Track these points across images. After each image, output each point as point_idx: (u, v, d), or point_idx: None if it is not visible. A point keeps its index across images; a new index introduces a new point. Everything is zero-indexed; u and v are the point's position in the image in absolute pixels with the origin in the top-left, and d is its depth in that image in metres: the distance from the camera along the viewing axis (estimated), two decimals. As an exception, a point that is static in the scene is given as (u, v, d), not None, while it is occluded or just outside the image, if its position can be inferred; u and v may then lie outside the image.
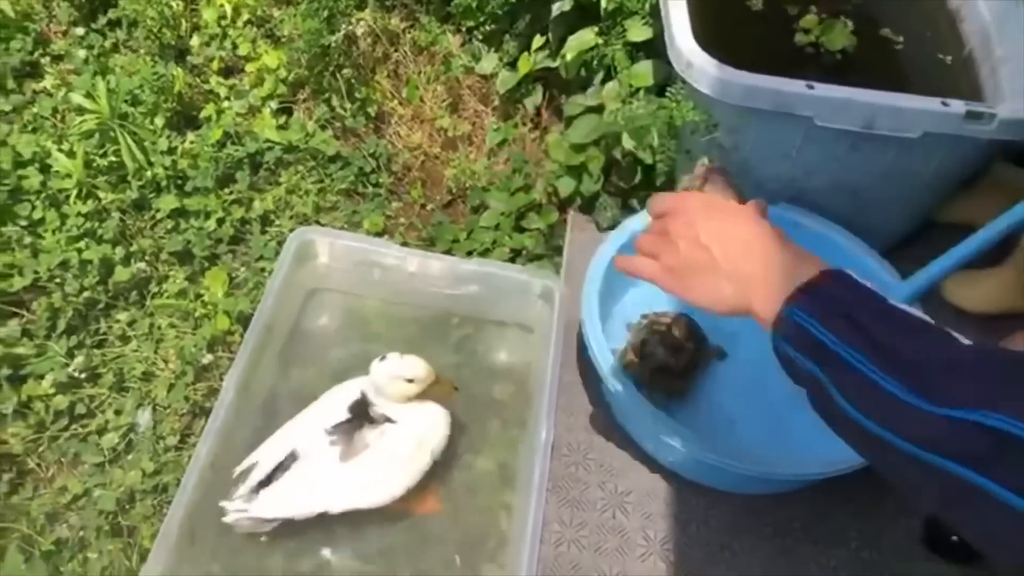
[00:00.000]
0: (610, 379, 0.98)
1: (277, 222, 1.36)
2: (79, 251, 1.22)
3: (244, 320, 1.20)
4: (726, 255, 0.60)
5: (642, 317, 1.15)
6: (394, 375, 0.98)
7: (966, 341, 0.49)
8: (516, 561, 0.95)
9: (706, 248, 0.61)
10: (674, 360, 1.06)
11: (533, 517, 0.97)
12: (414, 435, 1.01)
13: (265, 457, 0.98)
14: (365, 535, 1.01)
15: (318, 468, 0.97)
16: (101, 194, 1.29)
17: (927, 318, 0.51)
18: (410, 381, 0.99)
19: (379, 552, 1.01)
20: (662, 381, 1.05)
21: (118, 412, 1.13)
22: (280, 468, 0.97)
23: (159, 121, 1.39)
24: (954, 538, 0.97)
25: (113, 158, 1.33)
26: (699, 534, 1.00)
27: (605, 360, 0.99)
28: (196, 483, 0.97)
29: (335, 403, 1.02)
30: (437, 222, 1.37)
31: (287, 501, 0.96)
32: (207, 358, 1.19)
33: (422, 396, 1.01)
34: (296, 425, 1.01)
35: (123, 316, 1.22)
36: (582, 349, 1.06)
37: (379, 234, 1.35)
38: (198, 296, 1.25)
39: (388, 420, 1.01)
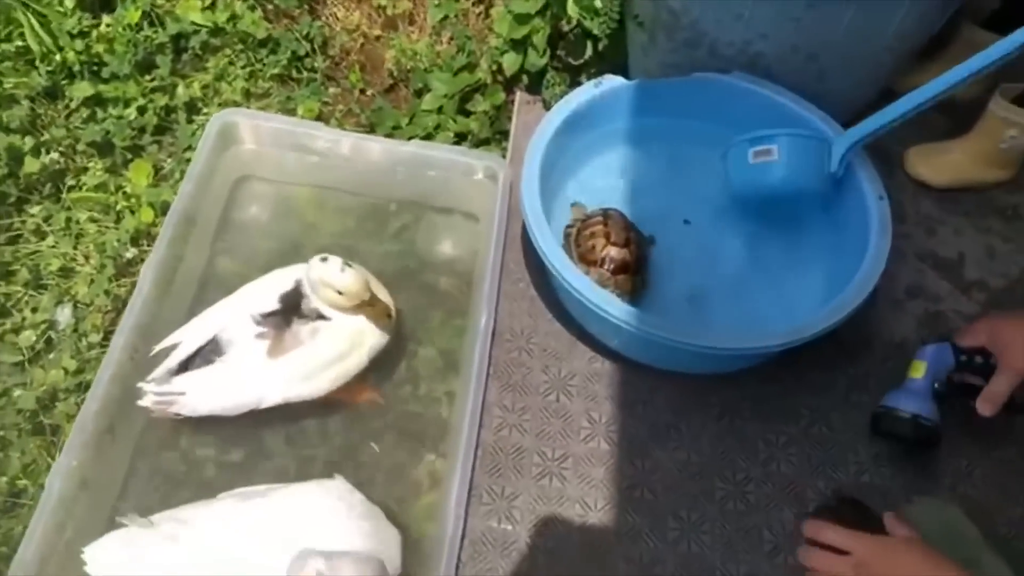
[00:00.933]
0: (553, 259, 0.92)
1: (205, 110, 1.27)
2: (-18, 141, 1.13)
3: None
4: None
5: (572, 206, 1.09)
6: (326, 282, 0.90)
7: None
8: (455, 447, 0.92)
9: None
10: (628, 254, 1.00)
11: (472, 402, 0.94)
12: (349, 334, 0.95)
13: (188, 338, 0.92)
14: (301, 425, 0.97)
15: (245, 364, 0.91)
16: (5, 80, 1.19)
17: None
18: (340, 294, 0.91)
19: (316, 441, 0.97)
20: (625, 284, 1.00)
21: (35, 310, 1.07)
22: (202, 354, 0.91)
23: (68, 2, 1.28)
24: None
25: (19, 42, 1.22)
26: (644, 415, 0.97)
27: (546, 240, 0.93)
28: (113, 375, 0.92)
29: (266, 290, 0.95)
30: (377, 107, 1.28)
31: (214, 397, 0.91)
32: (131, 252, 1.12)
33: (354, 311, 0.94)
34: (223, 308, 0.94)
35: (37, 210, 1.14)
36: (526, 234, 1.01)
37: (315, 120, 1.26)
38: (119, 188, 1.17)
39: (321, 317, 0.94)
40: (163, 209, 1.14)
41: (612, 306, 0.89)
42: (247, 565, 0.78)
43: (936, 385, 0.89)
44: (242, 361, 0.90)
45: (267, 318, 0.92)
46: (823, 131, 1.02)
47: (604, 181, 1.13)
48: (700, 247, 1.08)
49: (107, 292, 1.08)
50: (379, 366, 1.00)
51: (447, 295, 1.09)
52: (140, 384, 0.90)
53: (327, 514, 0.81)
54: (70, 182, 1.17)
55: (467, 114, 1.26)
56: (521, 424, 0.96)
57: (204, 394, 0.90)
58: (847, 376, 1.00)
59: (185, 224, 1.06)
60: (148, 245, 1.14)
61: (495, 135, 1.25)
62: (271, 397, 0.91)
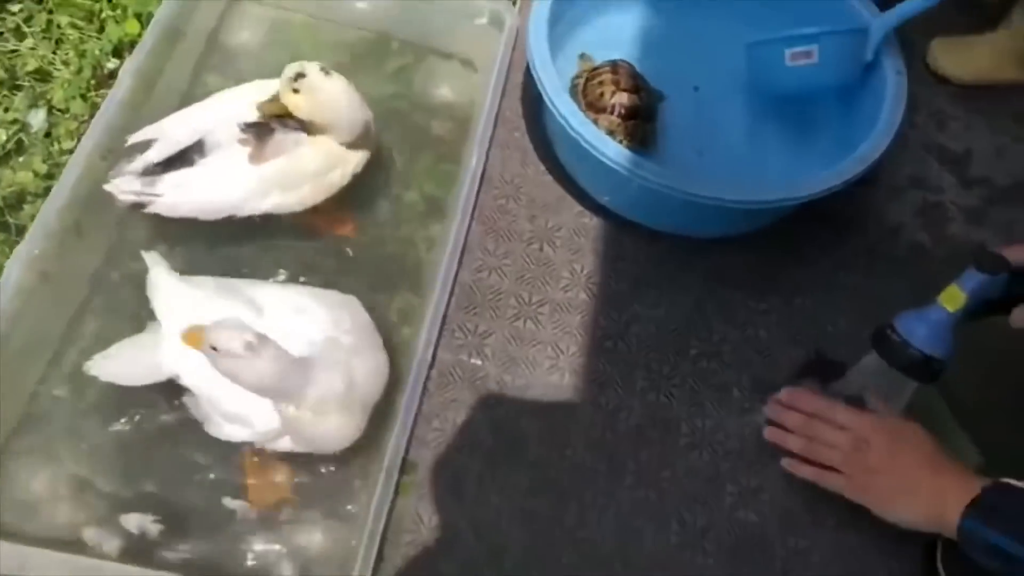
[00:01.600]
0: (556, 99, 0.88)
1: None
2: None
3: (157, 27, 1.07)
4: (915, 483, 0.74)
5: (579, 58, 1.05)
6: (286, 79, 0.84)
7: None
8: (431, 284, 0.90)
9: (899, 474, 0.75)
10: (638, 100, 0.96)
11: (453, 240, 0.91)
12: (331, 149, 0.92)
13: (167, 135, 0.87)
14: (277, 249, 0.94)
15: (227, 167, 0.87)
16: None
17: None
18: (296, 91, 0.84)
19: (290, 264, 0.94)
20: (636, 132, 0.96)
21: (7, 109, 1.02)
22: (183, 155, 0.87)
23: None
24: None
25: None
26: (628, 271, 0.95)
27: (550, 81, 0.89)
28: (82, 174, 0.88)
29: (250, 99, 0.91)
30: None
31: (194, 198, 0.87)
32: (112, 63, 1.07)
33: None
34: (204, 111, 0.90)
35: (17, 8, 1.08)
36: (527, 84, 0.97)
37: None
38: (105, -5, 1.11)
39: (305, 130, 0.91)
40: (151, 22, 1.09)
41: (609, 147, 0.85)
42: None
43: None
44: (224, 165, 0.86)
45: (251, 126, 0.88)
46: (861, 17, 0.97)
47: (615, 36, 1.08)
48: (708, 114, 1.05)
49: (84, 98, 1.03)
50: (361, 204, 0.97)
51: (439, 140, 1.05)
52: (115, 177, 0.85)
53: (344, 317, 0.80)
54: (53, -16, 1.11)
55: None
56: (501, 267, 0.94)
57: (183, 194, 0.86)
58: (837, 255, 0.98)
59: (170, 36, 1.00)
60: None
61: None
62: (251, 203, 0.88)
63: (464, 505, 0.80)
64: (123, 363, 0.80)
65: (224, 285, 0.83)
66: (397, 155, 1.02)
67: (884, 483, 0.76)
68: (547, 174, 1.01)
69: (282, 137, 0.89)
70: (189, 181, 0.87)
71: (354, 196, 0.96)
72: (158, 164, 0.86)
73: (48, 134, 1.03)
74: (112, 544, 0.76)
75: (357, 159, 0.93)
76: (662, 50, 1.08)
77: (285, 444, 0.78)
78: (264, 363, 0.70)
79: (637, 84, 0.96)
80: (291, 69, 0.85)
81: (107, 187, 0.84)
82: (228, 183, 0.88)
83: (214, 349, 0.69)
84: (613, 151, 0.85)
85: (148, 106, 0.97)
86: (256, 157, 0.88)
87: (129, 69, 0.95)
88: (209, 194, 0.88)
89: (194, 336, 0.72)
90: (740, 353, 0.91)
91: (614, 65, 0.98)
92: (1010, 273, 0.73)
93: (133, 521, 0.76)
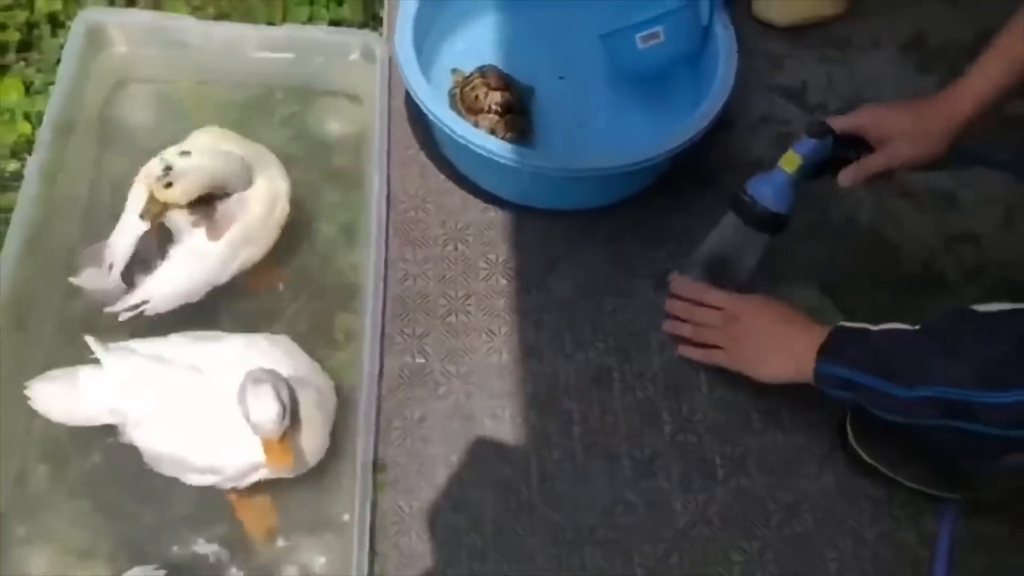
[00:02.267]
0: (432, 106, 0.98)
1: (69, 23, 1.24)
2: None
3: (48, 123, 1.11)
4: (777, 341, 0.86)
5: (452, 72, 1.14)
6: (156, 181, 0.88)
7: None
8: (365, 302, 0.98)
9: (763, 336, 0.88)
10: (510, 95, 1.07)
11: (375, 259, 0.99)
12: (268, 189, 0.97)
13: (118, 244, 0.93)
14: (216, 304, 1.00)
15: (193, 251, 0.93)
16: None
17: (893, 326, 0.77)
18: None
19: (233, 316, 1.00)
20: (514, 125, 1.06)
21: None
22: (140, 259, 0.92)
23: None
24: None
25: None
26: (537, 250, 1.05)
27: (424, 93, 0.99)
28: (15, 270, 0.93)
29: None
30: (247, 4, 1.28)
31: (178, 291, 0.93)
32: (13, 165, 1.11)
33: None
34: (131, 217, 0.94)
35: (-94, 131, 1.11)
36: (411, 103, 1.05)
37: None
38: (-10, 105, 1.15)
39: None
40: (40, 120, 1.12)
41: (491, 143, 0.95)
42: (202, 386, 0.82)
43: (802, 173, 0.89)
44: (191, 249, 0.92)
45: (194, 207, 0.93)
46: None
47: (478, 46, 1.18)
48: (577, 98, 1.16)
49: (-6, 204, 1.07)
50: (284, 247, 1.04)
51: (342, 171, 1.13)
52: (107, 309, 0.91)
53: (279, 356, 0.85)
54: (-64, 104, 1.14)
55: (340, 2, 1.28)
56: (424, 272, 1.03)
57: (169, 290, 0.92)
58: (714, 194, 1.09)
59: (64, 129, 1.05)
60: (30, 156, 1.12)
61: (370, 20, 1.28)
62: (228, 268, 0.94)
63: (439, 487, 0.89)
64: (60, 398, 0.85)
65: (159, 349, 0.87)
66: (306, 195, 1.09)
67: (752, 347, 0.88)
68: (447, 181, 1.10)
69: (226, 204, 0.95)
70: (168, 277, 0.92)
71: (277, 244, 1.01)
72: (126, 273, 0.92)
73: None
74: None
75: (283, 187, 1.00)
76: (525, 48, 1.19)
77: (261, 473, 0.84)
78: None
79: (506, 82, 1.07)
80: (155, 167, 0.89)
81: (109, 310, 0.91)
82: (203, 263, 0.93)
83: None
84: (496, 146, 0.95)
85: (60, 197, 1.02)
86: (214, 233, 0.93)
87: (33, 166, 1.00)
88: (191, 280, 0.93)
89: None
90: (650, 299, 1.02)
91: (482, 71, 1.08)
92: (834, 137, 0.87)
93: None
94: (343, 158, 1.14)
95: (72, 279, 0.93)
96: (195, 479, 0.85)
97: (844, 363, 0.78)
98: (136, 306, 0.92)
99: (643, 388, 0.96)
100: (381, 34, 1.22)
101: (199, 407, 0.82)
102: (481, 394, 0.95)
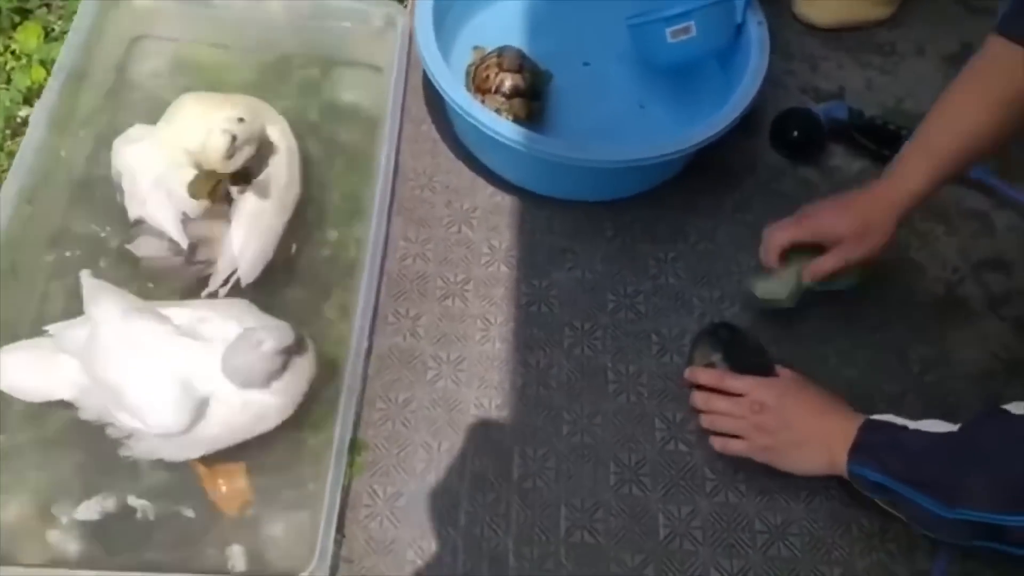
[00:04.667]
0: (444, 84, 0.95)
1: (95, -28, 1.23)
2: None
3: (64, 71, 1.10)
4: (809, 433, 0.82)
5: (473, 49, 1.11)
6: (226, 144, 0.85)
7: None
8: (360, 277, 0.95)
9: (793, 429, 0.83)
10: (521, 80, 1.03)
11: (375, 234, 0.96)
12: (283, 142, 0.97)
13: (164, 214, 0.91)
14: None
15: (253, 213, 0.92)
16: None
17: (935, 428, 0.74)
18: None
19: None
20: (521, 109, 1.03)
21: (-73, 168, 1.05)
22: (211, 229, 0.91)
23: None
24: (794, 133, 1.08)
25: None
26: (542, 240, 1.02)
27: (439, 69, 0.96)
28: (12, 214, 0.92)
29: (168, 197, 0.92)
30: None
31: (258, 253, 0.92)
32: (24, 111, 1.10)
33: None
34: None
35: (-78, 71, 1.10)
36: (428, 79, 1.03)
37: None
38: (7, 48, 1.14)
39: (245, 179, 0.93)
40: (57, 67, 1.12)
41: (501, 126, 0.92)
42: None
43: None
44: (251, 214, 0.92)
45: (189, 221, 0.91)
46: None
47: (503, 25, 1.15)
48: (598, 87, 1.12)
49: (1, 148, 1.06)
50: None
51: (352, 144, 1.10)
52: (204, 292, 0.92)
53: (241, 314, 0.84)
54: (-45, 44, 1.14)
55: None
56: (424, 253, 1.00)
57: (250, 258, 0.92)
58: (732, 198, 1.06)
59: (75, 77, 1.04)
60: (41, 103, 1.12)
61: (395, -8, 1.25)
62: (282, 222, 0.95)
63: (415, 475, 0.86)
64: (21, 372, 0.83)
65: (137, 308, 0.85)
66: (315, 164, 1.07)
67: (783, 439, 0.83)
68: (457, 160, 1.07)
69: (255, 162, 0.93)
70: (246, 243, 0.92)
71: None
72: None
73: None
74: (73, 547, 0.80)
75: (291, 143, 0.99)
76: (551, 31, 1.15)
77: (217, 441, 0.81)
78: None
79: (521, 65, 1.03)
80: (216, 143, 0.84)
81: (206, 292, 0.91)
82: (265, 221, 0.93)
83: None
84: (506, 128, 0.92)
85: (65, 148, 1.01)
86: (263, 191, 0.93)
87: (40, 113, 0.99)
88: (263, 240, 0.93)
89: None
90: (653, 302, 0.98)
91: (500, 51, 1.05)
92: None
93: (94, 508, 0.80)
94: (356, 129, 1.12)
95: (128, 246, 0.92)
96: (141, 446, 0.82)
97: (876, 466, 0.75)
98: (227, 279, 0.91)
99: (637, 392, 0.92)
100: (405, 5, 1.19)
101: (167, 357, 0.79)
102: (470, 382, 0.92)
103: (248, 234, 0.92)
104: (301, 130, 1.07)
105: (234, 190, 0.92)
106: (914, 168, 0.82)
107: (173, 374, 0.77)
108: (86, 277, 0.85)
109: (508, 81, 1.00)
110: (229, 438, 0.81)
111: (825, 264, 0.87)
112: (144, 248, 0.92)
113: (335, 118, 1.12)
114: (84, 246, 0.95)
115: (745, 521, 0.85)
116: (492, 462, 0.87)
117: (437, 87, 0.95)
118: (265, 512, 0.85)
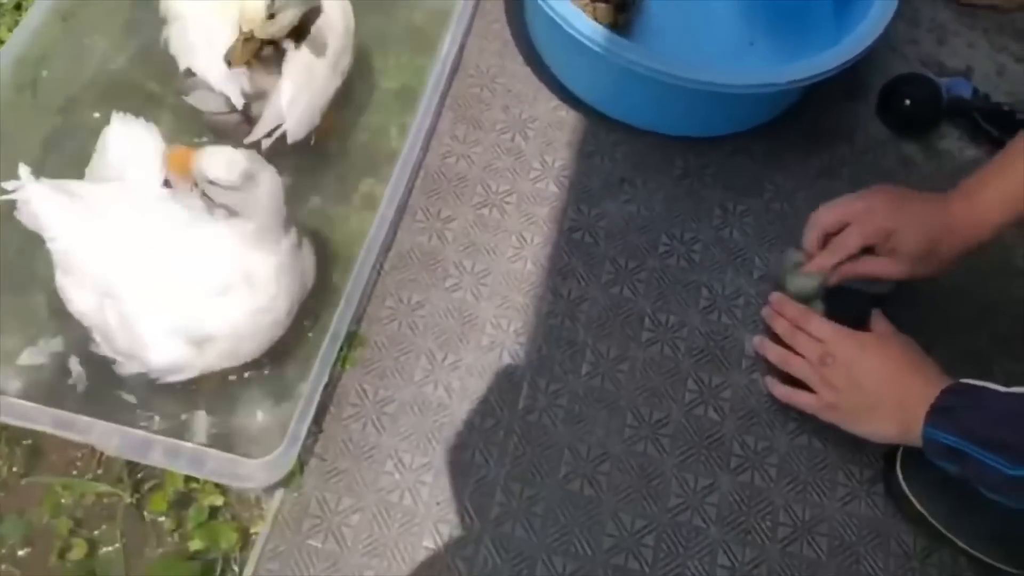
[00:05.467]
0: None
1: None
2: None
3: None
4: (884, 394, 0.71)
5: None
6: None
7: None
8: (394, 165, 0.87)
9: (864, 390, 0.72)
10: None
11: (418, 124, 0.87)
12: (339, 6, 0.86)
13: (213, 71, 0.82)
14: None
15: (304, 68, 0.82)
16: None
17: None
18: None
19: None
20: (607, 15, 0.92)
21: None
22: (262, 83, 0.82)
23: None
24: (907, 102, 0.96)
25: None
26: (601, 166, 0.91)
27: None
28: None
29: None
30: None
31: (305, 110, 0.83)
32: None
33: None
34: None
35: None
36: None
37: None
38: None
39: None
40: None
41: (583, 23, 0.82)
42: None
43: None
44: (302, 68, 0.83)
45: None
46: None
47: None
48: (701, 11, 1.00)
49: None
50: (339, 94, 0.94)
51: (419, 31, 1.01)
52: (246, 140, 0.82)
53: None
54: None
55: None
56: (469, 155, 0.91)
57: (296, 115, 0.83)
58: (821, 161, 0.94)
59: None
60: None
61: None
62: (333, 85, 0.86)
63: (412, 382, 0.78)
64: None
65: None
66: (375, 46, 0.98)
67: (848, 400, 0.73)
68: (525, 65, 0.97)
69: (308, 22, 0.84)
70: (294, 97, 0.83)
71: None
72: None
73: (18, 6, 1.01)
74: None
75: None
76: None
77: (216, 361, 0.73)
78: (264, 189, 0.67)
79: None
80: (252, 10, 0.76)
81: (248, 140, 0.82)
82: (317, 80, 0.84)
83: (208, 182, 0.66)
84: (588, 28, 0.81)
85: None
86: (318, 49, 0.83)
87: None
88: (312, 97, 0.84)
89: (180, 160, 0.67)
90: (711, 253, 0.87)
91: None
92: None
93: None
94: (425, 17, 1.03)
95: (185, 98, 0.85)
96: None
97: (954, 429, 0.64)
98: (271, 132, 0.83)
99: (674, 345, 0.82)
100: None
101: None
102: (491, 298, 0.83)
103: (299, 89, 0.83)
104: (368, 10, 0.98)
105: (289, 44, 0.84)
106: (1002, 195, 0.71)
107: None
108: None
109: None
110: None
111: (867, 269, 0.78)
112: (201, 102, 0.85)
113: (406, 3, 1.03)
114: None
115: (769, 508, 0.75)
116: (498, 387, 0.78)
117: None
118: (244, 393, 0.78)
